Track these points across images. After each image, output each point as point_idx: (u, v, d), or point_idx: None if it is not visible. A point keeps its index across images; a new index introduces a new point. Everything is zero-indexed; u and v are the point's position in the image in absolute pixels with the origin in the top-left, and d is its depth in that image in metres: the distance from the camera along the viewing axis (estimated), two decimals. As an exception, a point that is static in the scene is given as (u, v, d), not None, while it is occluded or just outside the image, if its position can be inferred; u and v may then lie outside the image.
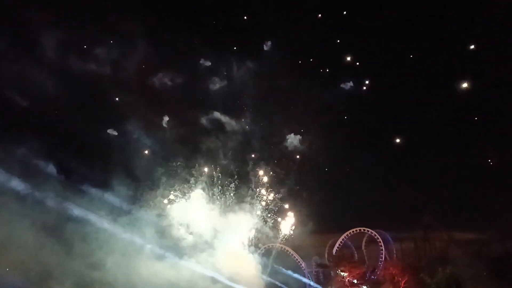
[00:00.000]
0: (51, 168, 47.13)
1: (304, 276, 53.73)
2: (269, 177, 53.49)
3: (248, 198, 52.56)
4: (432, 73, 55.03)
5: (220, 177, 52.71)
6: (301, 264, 53.68)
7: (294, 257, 53.77)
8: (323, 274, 54.04)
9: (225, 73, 53.77)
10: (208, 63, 53.28)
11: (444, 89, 54.78)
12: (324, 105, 53.01)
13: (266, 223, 53.03)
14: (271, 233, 53.37)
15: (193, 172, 52.37)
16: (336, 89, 54.19)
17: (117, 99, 51.10)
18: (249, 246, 52.72)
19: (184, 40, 50.88)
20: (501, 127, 52.85)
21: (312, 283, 53.62)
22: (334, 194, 53.57)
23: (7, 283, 44.81)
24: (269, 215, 53.33)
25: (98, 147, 49.94)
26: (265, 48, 53.26)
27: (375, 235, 53.69)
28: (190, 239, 50.74)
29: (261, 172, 53.49)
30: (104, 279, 46.05)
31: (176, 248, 49.98)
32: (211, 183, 52.63)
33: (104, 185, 48.56)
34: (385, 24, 52.81)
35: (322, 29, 53.51)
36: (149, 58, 50.79)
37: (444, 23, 53.03)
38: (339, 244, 54.09)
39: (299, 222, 53.35)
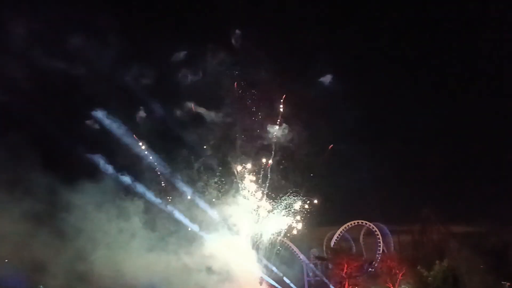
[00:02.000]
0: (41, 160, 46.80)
1: (303, 268, 54.07)
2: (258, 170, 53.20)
3: (233, 191, 52.43)
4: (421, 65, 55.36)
5: (202, 168, 52.46)
6: (299, 257, 53.93)
7: (293, 249, 53.98)
8: (321, 267, 54.30)
9: (202, 66, 52.78)
10: (185, 56, 52.36)
11: (439, 81, 55.12)
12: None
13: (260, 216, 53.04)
14: (269, 226, 53.48)
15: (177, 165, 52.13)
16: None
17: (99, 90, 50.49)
18: (246, 238, 52.82)
19: (161, 35, 50.72)
20: (498, 123, 53.19)
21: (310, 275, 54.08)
22: (333, 187, 53.84)
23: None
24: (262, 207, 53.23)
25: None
26: (243, 40, 52.32)
27: (373, 228, 53.98)
28: (181, 231, 50.64)
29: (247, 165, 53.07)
30: (95, 271, 46.14)
31: (169, 240, 50.03)
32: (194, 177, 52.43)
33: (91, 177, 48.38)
34: (367, 18, 52.95)
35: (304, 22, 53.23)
36: (126, 53, 50.17)
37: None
38: (337, 237, 54.35)
39: (298, 215, 53.53)
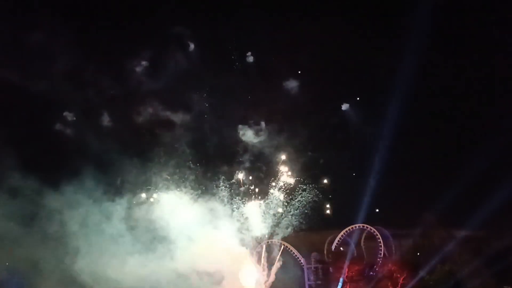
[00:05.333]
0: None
1: (303, 272, 53.88)
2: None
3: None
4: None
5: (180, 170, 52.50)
6: (300, 261, 53.74)
7: (293, 253, 53.81)
8: (322, 270, 54.05)
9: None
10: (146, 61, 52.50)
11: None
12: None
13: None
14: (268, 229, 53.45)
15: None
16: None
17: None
18: (246, 242, 52.79)
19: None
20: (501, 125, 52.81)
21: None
22: (334, 190, 53.76)
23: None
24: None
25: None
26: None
27: (374, 232, 53.70)
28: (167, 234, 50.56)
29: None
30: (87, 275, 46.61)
31: (158, 244, 49.97)
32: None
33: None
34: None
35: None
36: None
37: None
38: (338, 241, 54.11)
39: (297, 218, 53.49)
